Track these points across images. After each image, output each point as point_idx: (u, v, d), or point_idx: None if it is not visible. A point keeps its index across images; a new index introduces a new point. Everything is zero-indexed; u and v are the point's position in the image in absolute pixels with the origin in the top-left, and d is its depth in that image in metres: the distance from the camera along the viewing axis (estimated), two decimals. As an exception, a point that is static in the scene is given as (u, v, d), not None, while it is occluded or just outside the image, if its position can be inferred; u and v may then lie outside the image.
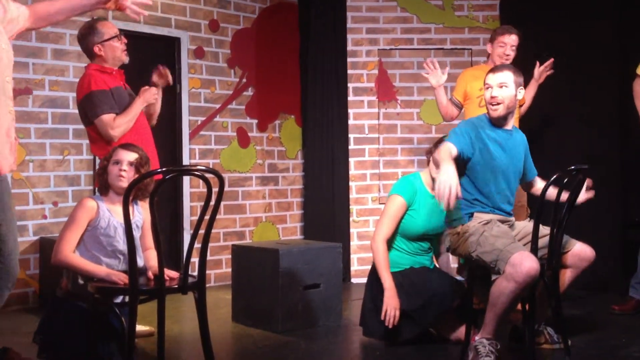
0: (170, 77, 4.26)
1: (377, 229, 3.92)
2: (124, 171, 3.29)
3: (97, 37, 4.00)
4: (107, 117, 3.90)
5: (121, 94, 4.02)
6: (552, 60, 4.88)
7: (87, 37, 4.04)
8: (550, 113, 5.51)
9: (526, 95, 4.79)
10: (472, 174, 3.57)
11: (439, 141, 3.93)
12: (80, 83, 4.03)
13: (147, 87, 4.09)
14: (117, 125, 3.91)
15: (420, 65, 5.07)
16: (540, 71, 4.90)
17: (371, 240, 3.93)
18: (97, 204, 3.29)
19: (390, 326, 3.74)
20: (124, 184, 3.24)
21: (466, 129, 3.54)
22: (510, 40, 4.70)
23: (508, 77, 3.54)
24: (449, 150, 3.38)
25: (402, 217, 3.90)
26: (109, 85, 3.95)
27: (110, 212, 3.29)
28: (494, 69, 3.63)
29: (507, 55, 4.69)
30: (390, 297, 3.77)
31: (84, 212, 3.25)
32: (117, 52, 4.03)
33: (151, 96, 4.06)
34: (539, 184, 3.85)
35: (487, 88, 3.58)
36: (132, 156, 3.35)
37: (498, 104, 3.53)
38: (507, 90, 3.53)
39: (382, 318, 3.75)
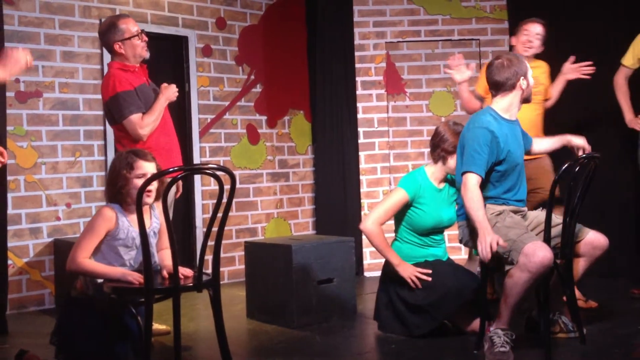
0: None
1: (370, 213, 3.91)
2: (151, 185, 3.22)
3: (118, 35, 3.98)
4: (135, 118, 3.88)
5: (146, 92, 3.99)
6: (589, 63, 4.69)
7: (107, 34, 4.01)
8: (564, 100, 5.47)
9: (553, 90, 4.71)
10: (490, 174, 3.53)
11: (436, 135, 3.93)
12: (104, 83, 4.00)
13: (166, 84, 4.06)
14: (146, 124, 3.89)
15: (428, 57, 5.04)
16: (571, 68, 4.71)
17: (361, 224, 3.92)
18: (116, 214, 3.26)
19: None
20: (151, 199, 3.25)
21: (484, 139, 3.45)
22: (534, 29, 4.64)
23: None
24: (478, 200, 3.37)
25: (400, 210, 3.90)
26: (134, 85, 3.93)
27: (130, 222, 3.27)
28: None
29: (530, 42, 4.62)
30: (403, 268, 3.82)
31: (102, 221, 3.23)
32: (137, 50, 4.00)
33: (173, 93, 4.03)
34: (536, 145, 3.92)
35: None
36: (153, 167, 3.31)
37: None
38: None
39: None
